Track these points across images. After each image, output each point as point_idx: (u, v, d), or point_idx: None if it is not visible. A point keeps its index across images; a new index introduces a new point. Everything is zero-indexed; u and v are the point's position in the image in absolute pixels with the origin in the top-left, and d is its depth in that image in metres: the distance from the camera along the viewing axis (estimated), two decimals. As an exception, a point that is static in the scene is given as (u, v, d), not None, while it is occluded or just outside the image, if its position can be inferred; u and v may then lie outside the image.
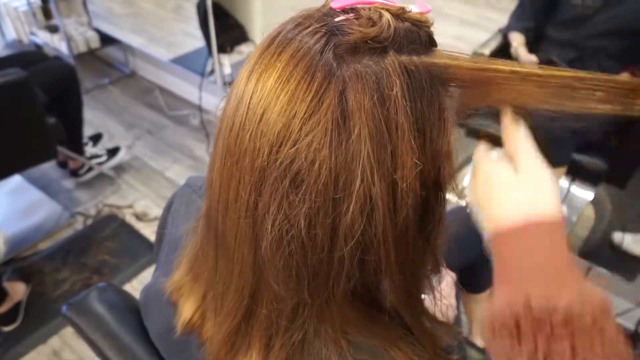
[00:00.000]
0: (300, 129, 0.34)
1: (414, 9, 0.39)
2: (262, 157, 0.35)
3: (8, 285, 1.61)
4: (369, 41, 0.35)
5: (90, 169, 2.04)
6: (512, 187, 0.39)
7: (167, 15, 2.42)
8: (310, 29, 0.36)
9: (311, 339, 0.42)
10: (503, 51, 1.83)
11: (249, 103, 0.36)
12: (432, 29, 0.40)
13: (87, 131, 2.13)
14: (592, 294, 0.34)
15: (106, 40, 2.61)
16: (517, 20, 1.80)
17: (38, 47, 2.66)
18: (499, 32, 1.89)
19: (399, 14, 0.37)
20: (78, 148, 1.95)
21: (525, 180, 0.39)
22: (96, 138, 2.16)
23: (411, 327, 0.43)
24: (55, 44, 2.55)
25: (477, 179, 0.42)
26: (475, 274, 1.05)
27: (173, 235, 0.60)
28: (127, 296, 0.69)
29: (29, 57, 1.83)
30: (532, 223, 0.37)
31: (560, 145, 1.54)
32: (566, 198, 2.05)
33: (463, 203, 1.26)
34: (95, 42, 2.59)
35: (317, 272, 0.38)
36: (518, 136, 0.41)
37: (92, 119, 2.42)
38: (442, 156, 0.38)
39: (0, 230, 1.80)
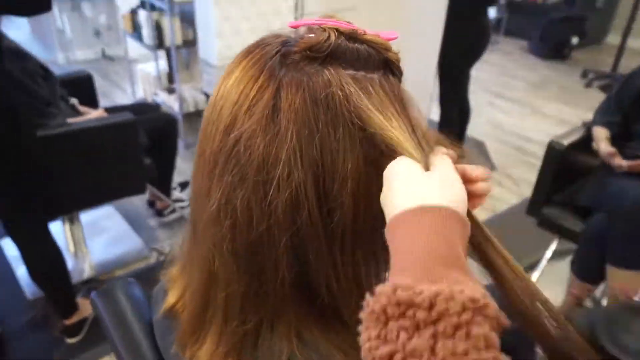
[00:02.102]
0: (243, 120, 0.40)
1: (383, 34, 0.44)
2: (215, 144, 0.42)
3: (80, 301, 1.77)
4: (308, 51, 0.41)
5: (173, 210, 2.24)
6: (418, 180, 0.38)
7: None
8: (271, 42, 0.43)
9: (265, 334, 0.44)
10: (584, 144, 1.77)
11: (214, 101, 0.43)
12: (400, 59, 0.45)
13: (179, 178, 2.37)
14: (468, 293, 0.30)
15: (213, 104, 2.95)
16: (602, 114, 1.75)
17: (157, 104, 3.08)
18: (583, 126, 1.84)
19: (351, 35, 0.42)
20: (166, 190, 2.17)
21: (432, 177, 0.38)
22: (184, 185, 2.39)
23: (350, 325, 0.44)
24: (171, 102, 2.94)
25: (388, 175, 0.40)
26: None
27: None
28: (149, 293, 0.75)
29: (144, 108, 2.14)
30: (423, 209, 0.35)
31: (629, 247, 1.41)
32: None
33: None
34: (203, 104, 2.94)
35: (257, 252, 0.42)
36: (441, 155, 0.41)
37: (187, 169, 2.69)
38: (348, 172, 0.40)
39: (90, 256, 2.03)
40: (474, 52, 2.51)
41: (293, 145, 0.39)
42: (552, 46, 5.27)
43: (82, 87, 2.09)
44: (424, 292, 0.30)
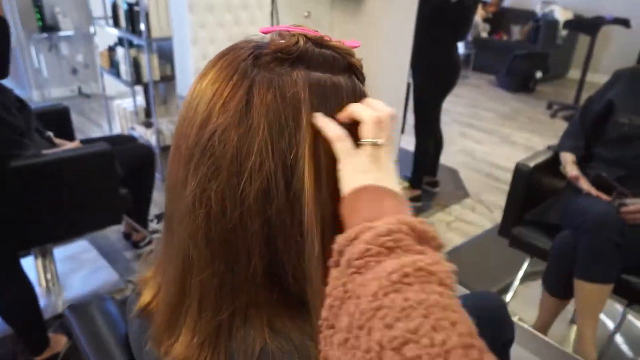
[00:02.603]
0: (217, 115, 0.43)
1: (346, 42, 0.48)
2: (191, 139, 0.44)
3: (52, 337, 1.72)
4: (279, 53, 0.45)
5: (150, 242, 2.22)
6: (372, 167, 0.45)
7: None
8: (243, 46, 0.47)
9: (239, 324, 0.46)
10: (550, 166, 1.85)
11: (189, 100, 0.46)
12: (366, 75, 0.49)
13: (155, 210, 2.36)
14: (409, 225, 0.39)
15: (190, 137, 2.97)
16: (568, 139, 1.84)
17: (133, 137, 3.09)
18: (548, 149, 1.92)
19: (318, 41, 0.47)
20: (142, 221, 2.15)
21: (382, 166, 0.46)
22: (161, 216, 2.37)
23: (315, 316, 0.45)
24: (148, 136, 2.96)
25: (345, 161, 0.45)
26: None
27: None
28: (124, 311, 0.75)
29: (121, 139, 2.15)
30: (381, 187, 0.44)
31: (605, 260, 1.46)
32: (620, 324, 1.86)
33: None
34: (180, 137, 2.96)
35: (230, 241, 0.44)
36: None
37: (163, 202, 2.67)
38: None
39: (64, 290, 1.98)
40: (447, 84, 2.64)
41: (264, 138, 0.42)
42: (518, 80, 5.53)
43: (58, 120, 2.10)
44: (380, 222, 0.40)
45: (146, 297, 0.55)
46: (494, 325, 0.96)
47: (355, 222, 0.41)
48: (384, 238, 0.38)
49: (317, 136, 0.44)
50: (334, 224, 0.45)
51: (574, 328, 1.81)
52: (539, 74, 5.55)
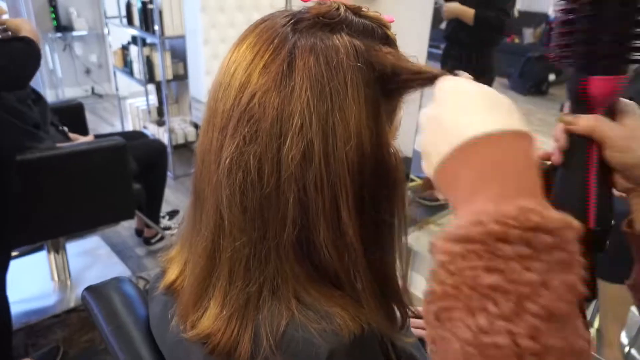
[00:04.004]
0: (258, 78, 0.43)
1: (384, 16, 0.47)
2: (229, 102, 0.44)
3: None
4: (321, 17, 0.44)
5: (161, 238, 2.21)
6: (484, 101, 0.34)
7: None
8: (279, 15, 0.47)
9: (267, 297, 0.45)
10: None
11: (226, 66, 0.46)
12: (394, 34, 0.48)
13: (167, 208, 2.36)
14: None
15: (202, 135, 2.99)
16: None
17: (146, 134, 3.10)
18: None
19: (356, 10, 0.47)
20: (154, 217, 2.15)
21: (497, 98, 0.35)
22: (173, 214, 2.37)
23: (344, 286, 0.45)
24: (160, 135, 2.97)
25: (444, 91, 0.37)
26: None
27: None
28: (142, 293, 0.74)
29: (134, 135, 2.15)
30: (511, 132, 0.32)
31: (618, 259, 1.43)
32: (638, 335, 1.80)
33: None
34: (192, 136, 2.97)
35: (265, 208, 0.43)
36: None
37: (175, 200, 2.68)
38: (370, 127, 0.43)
39: (76, 287, 1.98)
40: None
41: (306, 100, 0.41)
42: (531, 83, 5.48)
43: (72, 115, 2.11)
44: (553, 216, 0.28)
45: (171, 274, 0.54)
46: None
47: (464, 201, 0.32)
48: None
49: (371, 87, 0.43)
50: (375, 189, 0.44)
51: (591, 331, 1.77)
52: (552, 77, 5.51)
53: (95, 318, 0.69)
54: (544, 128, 4.45)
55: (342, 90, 0.42)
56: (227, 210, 0.44)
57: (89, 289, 0.72)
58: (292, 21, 0.45)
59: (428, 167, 0.36)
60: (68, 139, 1.87)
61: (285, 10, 0.48)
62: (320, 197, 0.42)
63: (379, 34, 0.46)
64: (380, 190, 0.45)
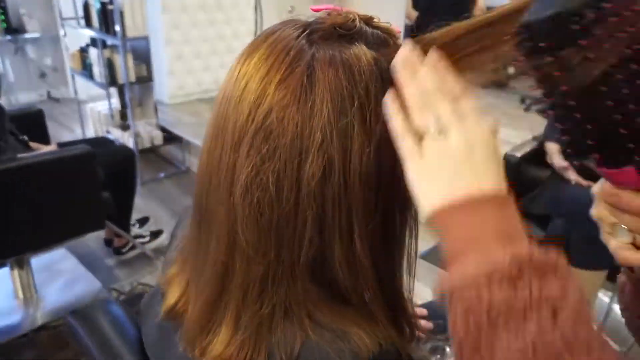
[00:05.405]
0: (275, 91, 0.40)
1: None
2: (243, 117, 0.41)
3: None
4: (337, 28, 0.42)
5: (132, 247, 2.14)
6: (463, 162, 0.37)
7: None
8: (290, 25, 0.44)
9: (279, 319, 0.43)
10: (537, 157, 1.87)
11: (236, 78, 0.43)
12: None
13: (136, 215, 2.28)
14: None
15: (168, 139, 2.91)
16: (552, 129, 1.87)
17: (111, 140, 3.00)
18: (532, 140, 1.95)
19: (368, 21, 0.45)
20: (125, 226, 2.08)
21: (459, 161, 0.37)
22: (143, 221, 2.30)
23: (354, 303, 0.44)
24: (125, 139, 2.87)
25: (426, 155, 0.38)
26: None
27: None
28: (130, 312, 0.71)
29: (100, 142, 2.07)
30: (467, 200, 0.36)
31: (598, 247, 1.48)
32: (606, 317, 1.88)
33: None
34: (158, 139, 2.89)
35: (282, 227, 0.41)
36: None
37: (144, 206, 2.60)
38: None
39: (43, 302, 1.89)
40: None
41: (327, 115, 0.39)
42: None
43: (32, 123, 2.01)
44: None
45: (171, 299, 0.51)
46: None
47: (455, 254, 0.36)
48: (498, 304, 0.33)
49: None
50: (389, 203, 0.43)
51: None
52: (511, 70, 5.67)
53: (84, 344, 0.65)
54: (507, 119, 4.57)
55: (362, 103, 0.41)
56: (241, 230, 0.42)
57: (73, 313, 0.68)
58: (305, 32, 0.43)
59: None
60: (29, 149, 1.77)
61: (292, 20, 0.46)
62: (337, 213, 0.41)
63: (390, 44, 0.45)
64: (393, 205, 0.44)
